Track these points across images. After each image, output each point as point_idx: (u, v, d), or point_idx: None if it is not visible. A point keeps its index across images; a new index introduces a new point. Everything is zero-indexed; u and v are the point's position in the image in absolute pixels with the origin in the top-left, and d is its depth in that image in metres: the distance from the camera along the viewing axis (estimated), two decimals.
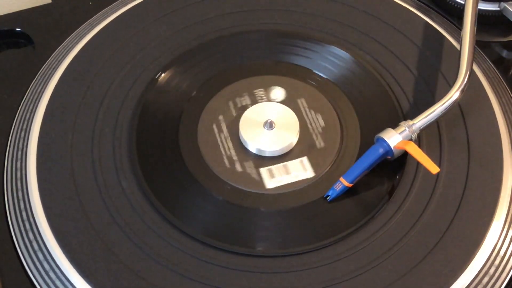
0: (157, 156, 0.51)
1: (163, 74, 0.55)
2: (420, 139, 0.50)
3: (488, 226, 0.47)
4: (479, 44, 0.57)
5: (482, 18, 0.59)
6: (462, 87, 0.49)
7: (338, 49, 0.56)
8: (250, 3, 0.59)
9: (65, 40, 0.57)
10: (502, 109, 0.53)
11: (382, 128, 0.49)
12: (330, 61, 0.56)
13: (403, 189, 0.48)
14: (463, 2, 0.55)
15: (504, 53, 0.59)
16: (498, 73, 0.56)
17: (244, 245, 0.46)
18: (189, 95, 0.55)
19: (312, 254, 0.45)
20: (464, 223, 0.47)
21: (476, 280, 0.45)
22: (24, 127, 0.52)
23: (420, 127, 0.48)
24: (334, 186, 0.48)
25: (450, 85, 0.50)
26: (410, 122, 0.48)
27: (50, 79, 0.54)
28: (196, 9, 0.58)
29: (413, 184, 0.49)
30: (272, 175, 0.50)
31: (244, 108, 0.53)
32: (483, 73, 0.55)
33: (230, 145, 0.52)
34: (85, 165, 0.49)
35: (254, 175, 0.50)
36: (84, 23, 0.59)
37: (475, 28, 0.53)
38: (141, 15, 0.58)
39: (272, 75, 0.56)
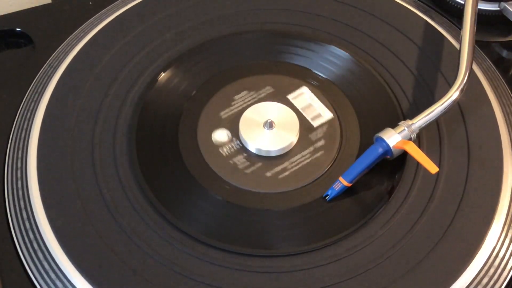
0: (157, 156, 0.51)
1: (163, 74, 0.55)
2: (420, 139, 0.50)
3: (488, 226, 0.46)
4: (479, 44, 0.57)
5: (482, 18, 0.59)
6: (461, 86, 0.49)
7: (338, 49, 0.56)
8: (249, 3, 0.59)
9: (65, 40, 0.57)
10: (502, 109, 0.53)
11: (381, 128, 0.49)
12: (330, 61, 0.56)
13: (403, 189, 0.48)
14: (463, 2, 0.55)
15: (504, 53, 0.59)
16: (498, 73, 0.56)
17: (244, 245, 0.46)
18: (189, 95, 0.55)
19: (312, 254, 0.45)
20: (464, 223, 0.47)
21: (476, 280, 0.45)
22: (25, 127, 0.52)
23: (419, 127, 0.48)
24: (333, 186, 0.48)
25: (450, 85, 0.50)
26: (409, 122, 0.48)
27: (51, 79, 0.54)
28: (196, 9, 0.58)
29: (413, 184, 0.49)
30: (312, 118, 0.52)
31: (244, 108, 0.53)
32: (483, 73, 0.55)
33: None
34: (85, 165, 0.49)
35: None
36: (84, 23, 0.59)
37: (475, 28, 0.53)
38: (141, 15, 0.58)
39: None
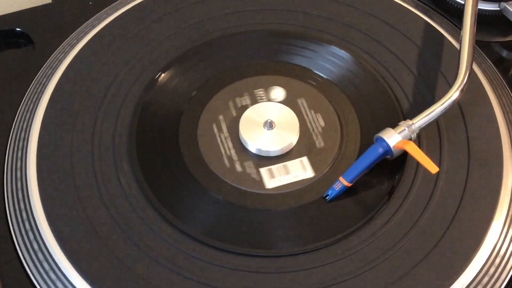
0: (157, 156, 0.51)
1: (163, 74, 0.55)
2: (420, 139, 0.50)
3: (488, 226, 0.47)
4: (479, 44, 0.57)
5: (482, 18, 0.59)
6: (461, 86, 0.49)
7: (338, 49, 0.56)
8: (250, 3, 0.59)
9: (65, 40, 0.57)
10: (502, 109, 0.53)
11: (382, 128, 0.49)
12: (330, 61, 0.56)
13: (403, 189, 0.48)
14: (463, 2, 0.55)
15: (504, 53, 0.59)
16: (498, 73, 0.56)
17: (244, 245, 0.46)
18: (189, 95, 0.55)
19: (312, 254, 0.45)
20: (464, 223, 0.47)
21: (476, 280, 0.45)
22: (24, 127, 0.52)
23: (419, 127, 0.48)
24: (334, 186, 0.48)
25: (450, 85, 0.50)
26: (409, 122, 0.48)
27: (50, 79, 0.54)
28: (196, 9, 0.58)
29: (413, 184, 0.49)
30: (272, 175, 0.50)
31: (244, 108, 0.53)
32: (483, 73, 0.55)
33: (230, 145, 0.52)
34: (85, 165, 0.49)
35: (254, 175, 0.50)
36: (84, 23, 0.59)
37: (475, 28, 0.53)
38: (141, 15, 0.58)
39: (272, 75, 0.56)
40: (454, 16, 0.60)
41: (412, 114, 0.51)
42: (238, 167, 0.51)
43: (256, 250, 0.46)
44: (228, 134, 0.52)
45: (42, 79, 0.55)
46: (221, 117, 0.53)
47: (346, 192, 0.48)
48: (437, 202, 0.48)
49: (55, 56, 0.56)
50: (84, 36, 0.57)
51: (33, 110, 0.53)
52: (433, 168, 0.46)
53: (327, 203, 0.49)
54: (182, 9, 0.59)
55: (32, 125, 0.52)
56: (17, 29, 0.59)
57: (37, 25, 0.59)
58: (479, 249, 0.45)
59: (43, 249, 0.46)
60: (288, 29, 0.57)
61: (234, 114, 0.53)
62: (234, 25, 0.58)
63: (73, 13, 0.60)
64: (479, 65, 0.55)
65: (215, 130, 0.53)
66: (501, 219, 0.47)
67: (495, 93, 0.53)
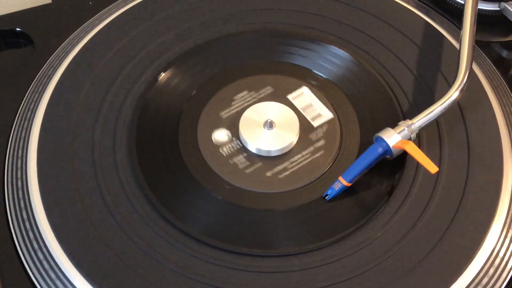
0: (157, 156, 0.51)
1: (163, 74, 0.55)
2: (420, 138, 0.50)
3: (488, 226, 0.46)
4: (479, 44, 0.57)
5: (482, 18, 0.59)
6: (461, 86, 0.49)
7: (338, 49, 0.56)
8: (249, 3, 0.59)
9: (65, 40, 0.57)
10: (502, 109, 0.53)
11: (381, 128, 0.49)
12: (330, 61, 0.56)
13: (403, 189, 0.48)
14: (463, 2, 0.55)
15: (504, 53, 0.59)
16: (498, 73, 0.56)
17: (243, 245, 0.46)
18: (189, 95, 0.55)
19: (311, 254, 0.45)
20: (464, 223, 0.47)
21: (476, 281, 0.45)
22: (25, 127, 0.52)
23: (419, 127, 0.48)
24: (333, 186, 0.48)
25: (450, 85, 0.50)
26: (409, 122, 0.48)
27: (51, 79, 0.54)
28: (196, 9, 0.58)
29: (413, 184, 0.49)
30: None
31: (244, 108, 0.53)
32: (483, 72, 0.55)
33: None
34: (85, 164, 0.49)
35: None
36: (84, 23, 0.59)
37: (475, 28, 0.53)
38: (141, 15, 0.58)
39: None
40: (454, 16, 0.60)
41: (412, 114, 0.51)
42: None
43: (256, 250, 0.46)
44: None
45: (42, 79, 0.55)
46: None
47: (346, 192, 0.48)
48: (437, 202, 0.48)
49: (55, 56, 0.56)
50: (84, 36, 0.57)
51: (34, 110, 0.53)
52: (433, 168, 0.46)
53: (326, 203, 0.49)
54: (182, 9, 0.59)
55: (33, 125, 0.52)
56: (17, 29, 0.59)
57: (37, 25, 0.59)
58: (479, 249, 0.45)
59: (43, 248, 0.46)
60: (288, 29, 0.57)
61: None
62: (234, 25, 0.58)
63: (73, 13, 0.60)
64: (479, 65, 0.55)
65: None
66: (501, 220, 0.47)
67: (495, 93, 0.53)
